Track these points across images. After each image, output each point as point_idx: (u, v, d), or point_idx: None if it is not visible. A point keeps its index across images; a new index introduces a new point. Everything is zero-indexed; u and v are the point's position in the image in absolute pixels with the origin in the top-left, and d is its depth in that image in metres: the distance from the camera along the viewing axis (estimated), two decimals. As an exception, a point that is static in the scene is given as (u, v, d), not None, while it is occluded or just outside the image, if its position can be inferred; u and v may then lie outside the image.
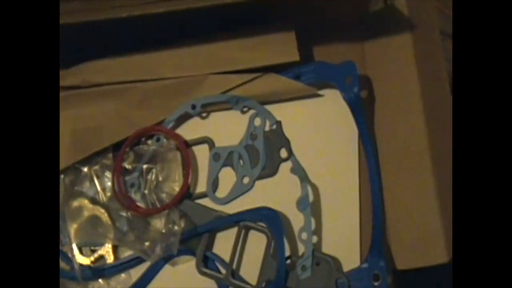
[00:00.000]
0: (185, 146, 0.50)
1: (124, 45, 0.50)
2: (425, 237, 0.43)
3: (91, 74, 0.51)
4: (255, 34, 0.49)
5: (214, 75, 0.50)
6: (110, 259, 0.49)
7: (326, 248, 0.47)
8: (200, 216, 0.48)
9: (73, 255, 0.49)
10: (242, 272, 0.48)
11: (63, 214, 0.49)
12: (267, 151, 0.49)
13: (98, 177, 0.50)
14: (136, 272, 0.49)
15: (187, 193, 0.49)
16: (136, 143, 0.51)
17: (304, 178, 0.47)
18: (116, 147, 0.50)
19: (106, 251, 0.49)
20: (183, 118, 0.51)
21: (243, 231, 0.47)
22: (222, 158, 0.50)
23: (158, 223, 0.49)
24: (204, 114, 0.52)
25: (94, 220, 0.49)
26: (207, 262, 0.48)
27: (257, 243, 0.47)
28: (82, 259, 0.49)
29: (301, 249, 0.46)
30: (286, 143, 0.49)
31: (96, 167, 0.50)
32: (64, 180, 0.50)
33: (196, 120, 0.52)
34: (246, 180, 0.49)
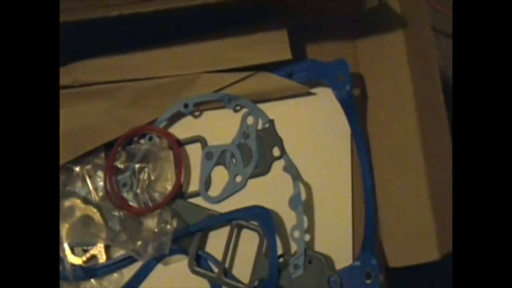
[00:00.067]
0: (178, 145, 0.50)
1: (115, 45, 0.50)
2: (417, 235, 0.43)
3: (82, 74, 0.51)
4: (247, 32, 0.49)
5: (206, 73, 0.50)
6: (102, 258, 0.49)
7: (319, 246, 0.47)
8: (193, 215, 0.48)
9: (65, 255, 0.48)
10: (235, 271, 0.47)
11: (55, 214, 0.49)
12: (260, 150, 0.49)
13: (90, 177, 0.50)
14: (129, 272, 0.49)
15: (179, 192, 0.49)
16: (128, 142, 0.51)
17: (296, 176, 0.47)
18: (108, 147, 0.50)
19: (98, 250, 0.49)
20: (176, 117, 0.51)
21: (235, 230, 0.47)
22: (215, 157, 0.50)
23: (151, 223, 0.48)
24: (196, 113, 0.51)
25: (86, 220, 0.49)
26: (199, 261, 0.48)
27: (249, 242, 0.47)
28: (74, 259, 0.49)
29: (293, 247, 0.46)
30: (279, 142, 0.49)
31: (88, 166, 0.50)
32: (56, 179, 0.50)
33: (188, 119, 0.51)
34: (238, 178, 0.49)
